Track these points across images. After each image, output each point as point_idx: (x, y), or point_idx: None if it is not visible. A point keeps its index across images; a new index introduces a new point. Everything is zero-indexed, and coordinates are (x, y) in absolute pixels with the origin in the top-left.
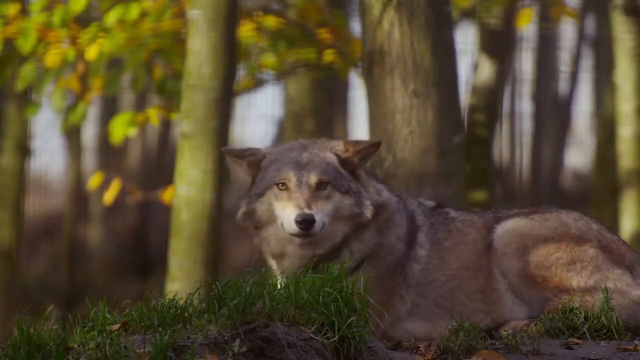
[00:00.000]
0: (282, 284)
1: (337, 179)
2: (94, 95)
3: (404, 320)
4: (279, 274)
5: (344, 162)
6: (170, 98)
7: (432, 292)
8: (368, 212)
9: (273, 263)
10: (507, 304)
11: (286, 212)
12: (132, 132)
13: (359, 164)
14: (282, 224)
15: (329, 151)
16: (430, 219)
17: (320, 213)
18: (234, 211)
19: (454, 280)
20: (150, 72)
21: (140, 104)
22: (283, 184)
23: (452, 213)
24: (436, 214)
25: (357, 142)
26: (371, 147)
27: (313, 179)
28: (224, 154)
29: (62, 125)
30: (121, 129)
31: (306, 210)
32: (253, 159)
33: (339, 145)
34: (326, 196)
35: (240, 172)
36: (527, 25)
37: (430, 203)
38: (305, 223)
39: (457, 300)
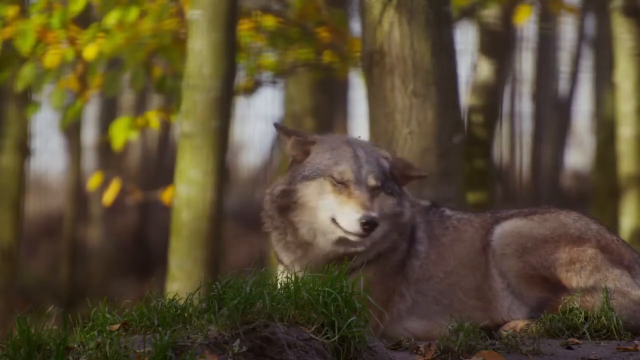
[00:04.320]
0: (280, 282)
1: (385, 181)
2: (93, 93)
3: (404, 319)
4: (293, 266)
5: (391, 172)
6: (170, 97)
7: (431, 288)
8: (408, 212)
9: (285, 256)
10: (505, 304)
11: (347, 210)
12: (133, 136)
13: (399, 181)
14: (332, 219)
15: (381, 156)
16: (426, 217)
17: (377, 215)
18: (235, 211)
19: (451, 276)
20: (150, 71)
21: (140, 104)
22: (341, 177)
23: (448, 212)
24: (431, 212)
25: (406, 166)
26: (415, 178)
27: (372, 181)
28: (275, 128)
29: (60, 123)
30: (122, 134)
31: (372, 213)
32: (300, 140)
33: (389, 158)
34: (376, 197)
35: (285, 150)
36: (526, 23)
37: (425, 202)
38: (370, 225)
39: (455, 297)
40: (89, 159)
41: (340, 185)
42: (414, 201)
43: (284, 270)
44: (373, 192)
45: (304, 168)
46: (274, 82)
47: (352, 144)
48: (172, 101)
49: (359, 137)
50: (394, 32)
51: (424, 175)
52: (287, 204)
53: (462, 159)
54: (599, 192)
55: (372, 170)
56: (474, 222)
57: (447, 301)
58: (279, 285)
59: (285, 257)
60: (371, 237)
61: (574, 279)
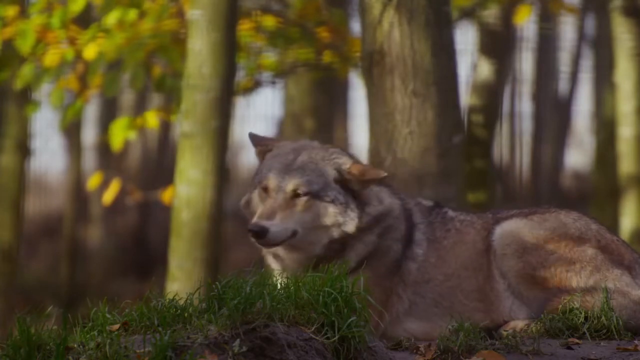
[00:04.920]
0: (280, 283)
1: (323, 189)
2: (93, 93)
3: (403, 320)
4: (276, 271)
5: (342, 181)
6: (170, 96)
7: (430, 291)
8: (351, 225)
9: (272, 261)
10: (507, 305)
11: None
12: (132, 136)
13: (359, 187)
14: None
15: (331, 166)
16: (428, 218)
17: (285, 223)
18: (235, 211)
19: (452, 279)
20: (149, 71)
21: (140, 104)
22: (265, 185)
23: (451, 213)
24: (434, 213)
25: (363, 171)
26: (374, 181)
27: (290, 186)
28: (249, 137)
29: (60, 122)
30: (121, 134)
31: (261, 221)
32: (261, 150)
33: (345, 165)
34: (303, 204)
35: None
36: (526, 23)
37: (428, 202)
38: (253, 233)
39: (456, 299)
40: (89, 159)
41: (265, 193)
42: (382, 206)
43: (282, 272)
44: (294, 198)
45: (255, 176)
46: (273, 82)
47: (299, 150)
48: (172, 101)
49: (323, 143)
50: (394, 32)
51: (382, 176)
52: (251, 214)
53: (462, 159)
54: (599, 192)
55: (300, 175)
56: (475, 223)
57: (447, 303)
58: (279, 285)
59: (272, 263)
60: (304, 243)
61: (574, 279)
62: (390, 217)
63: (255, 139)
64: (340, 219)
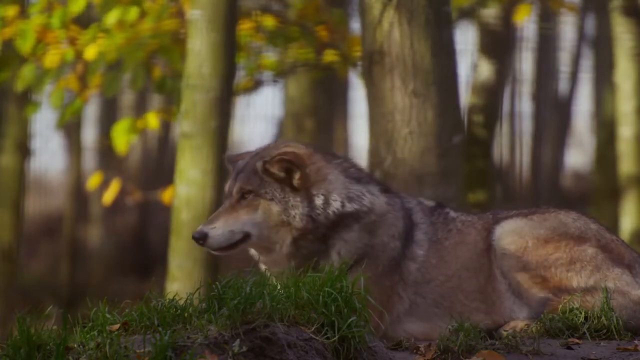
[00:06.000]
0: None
1: (261, 187)
2: (92, 92)
3: (403, 320)
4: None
5: (267, 172)
6: (170, 97)
7: (431, 291)
8: (296, 221)
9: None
10: (508, 305)
11: None
12: (134, 138)
13: (299, 184)
14: None
15: (260, 159)
16: (430, 218)
17: (227, 226)
18: None
19: (453, 280)
20: (150, 71)
21: (140, 104)
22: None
23: (452, 213)
24: (436, 213)
25: (277, 154)
26: (282, 162)
27: (236, 188)
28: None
29: (58, 121)
30: (123, 137)
31: (204, 227)
32: (234, 165)
33: (268, 157)
34: (250, 205)
35: None
36: (526, 22)
37: (430, 203)
38: (194, 239)
39: (456, 300)
40: (89, 159)
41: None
42: (408, 199)
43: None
44: (240, 200)
45: None
46: (274, 82)
47: (254, 153)
48: (172, 101)
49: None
50: (394, 32)
51: (286, 159)
52: None
53: (462, 159)
54: (599, 192)
55: (242, 177)
56: (476, 224)
57: (448, 304)
58: (279, 286)
59: (262, 264)
60: (267, 243)
61: (575, 279)
62: (372, 213)
63: (228, 158)
64: (284, 217)
